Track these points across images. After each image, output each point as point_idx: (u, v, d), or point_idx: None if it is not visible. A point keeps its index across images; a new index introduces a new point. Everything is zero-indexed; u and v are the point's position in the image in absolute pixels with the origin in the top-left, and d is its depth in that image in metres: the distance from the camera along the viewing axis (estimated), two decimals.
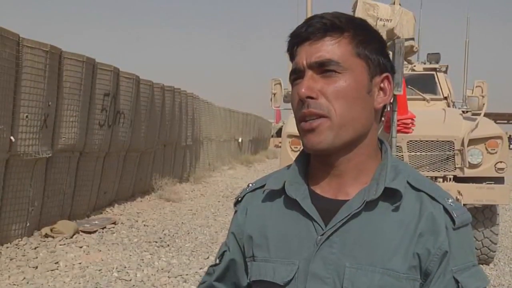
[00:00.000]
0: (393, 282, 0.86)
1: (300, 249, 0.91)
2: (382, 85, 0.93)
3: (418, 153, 5.28)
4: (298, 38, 0.92)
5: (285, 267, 0.92)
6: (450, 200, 0.90)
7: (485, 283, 0.89)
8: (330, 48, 0.89)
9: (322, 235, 0.89)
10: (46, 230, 6.30)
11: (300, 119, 0.91)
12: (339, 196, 0.93)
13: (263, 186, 1.01)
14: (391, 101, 5.01)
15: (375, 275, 0.86)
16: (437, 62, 7.07)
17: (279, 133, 26.53)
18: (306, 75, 0.90)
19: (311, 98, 0.88)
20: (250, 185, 1.06)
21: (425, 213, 0.88)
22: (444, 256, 0.87)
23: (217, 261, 1.06)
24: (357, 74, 0.89)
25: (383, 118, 5.32)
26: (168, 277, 5.07)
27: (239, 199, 1.06)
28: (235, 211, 1.06)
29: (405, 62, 6.80)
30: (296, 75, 0.92)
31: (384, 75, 0.93)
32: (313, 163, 0.98)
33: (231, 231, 1.05)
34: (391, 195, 0.89)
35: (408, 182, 0.91)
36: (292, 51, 0.94)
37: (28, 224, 6.10)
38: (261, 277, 0.95)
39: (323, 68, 0.88)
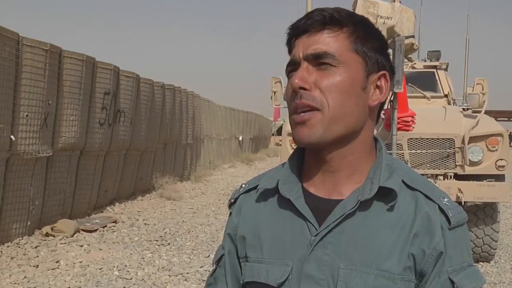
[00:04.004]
0: (388, 284, 0.85)
1: (294, 250, 0.90)
2: (378, 83, 0.92)
3: (418, 151, 5.27)
4: (297, 30, 0.91)
5: (278, 268, 0.91)
6: (445, 200, 0.89)
7: (481, 283, 0.88)
8: (327, 41, 0.88)
9: (316, 235, 0.88)
10: (46, 229, 6.31)
11: (292, 111, 0.90)
12: (333, 195, 0.92)
13: (256, 186, 1.00)
14: (392, 99, 5.01)
15: (370, 276, 0.85)
16: (437, 60, 7.06)
17: (279, 131, 26.52)
18: (301, 67, 0.89)
19: (304, 89, 0.87)
20: (244, 185, 1.04)
21: (420, 213, 0.87)
22: (439, 257, 0.86)
23: (214, 266, 1.04)
24: (353, 69, 0.88)
25: (383, 117, 5.31)
26: (169, 275, 5.08)
27: (233, 200, 1.04)
28: (230, 213, 1.05)
29: (406, 60, 6.79)
30: (292, 67, 0.91)
31: (381, 72, 0.92)
32: (307, 160, 0.96)
33: (226, 232, 1.03)
34: (386, 195, 0.88)
35: (403, 181, 0.90)
36: (290, 43, 0.94)
37: (28, 223, 6.11)
38: (254, 278, 0.94)
39: (318, 60, 0.88)
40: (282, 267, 0.90)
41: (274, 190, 0.96)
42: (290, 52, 0.94)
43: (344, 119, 0.88)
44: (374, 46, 0.91)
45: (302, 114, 0.87)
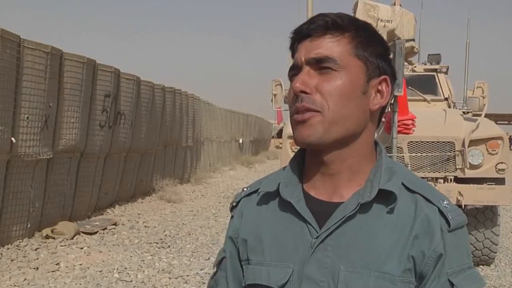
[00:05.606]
0: (388, 285, 0.85)
1: (295, 252, 0.91)
2: (379, 87, 0.93)
3: (418, 154, 5.27)
4: (300, 35, 0.93)
5: (279, 270, 0.91)
6: (445, 202, 0.90)
7: (481, 285, 0.89)
8: (329, 45, 0.89)
9: (317, 238, 0.89)
10: (47, 231, 6.31)
11: (293, 113, 0.91)
12: (333, 198, 0.92)
13: (257, 190, 1.01)
14: (392, 102, 5.01)
15: (370, 278, 0.85)
16: (437, 63, 7.07)
17: (279, 134, 26.51)
18: (303, 71, 0.90)
19: (305, 93, 0.89)
20: (245, 189, 1.05)
21: (420, 215, 0.88)
22: (439, 259, 0.86)
23: (215, 268, 1.05)
24: (354, 74, 0.89)
25: (383, 119, 5.34)
26: (169, 278, 5.07)
27: (235, 203, 1.05)
28: (232, 216, 1.05)
29: (406, 63, 6.79)
30: (294, 70, 0.93)
31: (382, 77, 0.93)
32: (308, 163, 0.97)
33: (228, 235, 1.04)
34: (385, 197, 0.89)
35: (403, 184, 0.91)
36: (293, 47, 0.95)
37: (29, 225, 6.11)
38: (255, 280, 0.95)
39: (320, 64, 0.89)
40: (283, 269, 0.91)
41: (275, 193, 0.97)
42: (293, 56, 0.95)
43: (344, 122, 0.89)
44: (375, 51, 0.92)
45: (302, 114, 0.89)
